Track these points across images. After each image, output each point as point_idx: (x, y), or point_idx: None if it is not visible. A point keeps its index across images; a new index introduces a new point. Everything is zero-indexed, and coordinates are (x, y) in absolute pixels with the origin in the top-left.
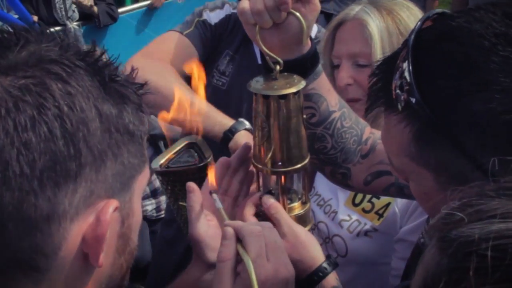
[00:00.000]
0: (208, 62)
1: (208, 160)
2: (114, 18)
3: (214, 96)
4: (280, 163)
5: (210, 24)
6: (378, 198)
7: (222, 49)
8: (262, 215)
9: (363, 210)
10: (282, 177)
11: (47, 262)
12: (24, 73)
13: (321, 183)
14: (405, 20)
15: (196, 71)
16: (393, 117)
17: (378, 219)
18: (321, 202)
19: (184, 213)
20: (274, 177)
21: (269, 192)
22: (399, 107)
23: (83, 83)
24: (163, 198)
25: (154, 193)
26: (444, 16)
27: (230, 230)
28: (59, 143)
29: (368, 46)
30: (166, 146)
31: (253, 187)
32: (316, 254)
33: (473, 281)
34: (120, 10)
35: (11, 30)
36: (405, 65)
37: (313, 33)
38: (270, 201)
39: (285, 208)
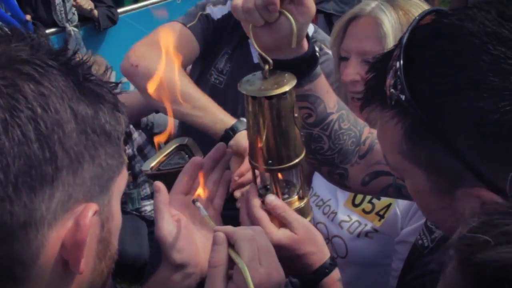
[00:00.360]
0: (207, 59)
1: None
2: (113, 21)
3: (212, 94)
4: (270, 162)
5: (213, 19)
6: (379, 199)
7: (222, 47)
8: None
9: (364, 211)
10: (277, 174)
11: (25, 271)
12: None
13: (320, 183)
14: None
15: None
16: (386, 113)
17: (379, 220)
18: (319, 202)
19: None
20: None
21: (265, 187)
22: (391, 103)
23: (56, 83)
24: None
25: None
26: (439, 14)
27: (221, 235)
28: (34, 146)
29: (379, 45)
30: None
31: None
32: (325, 246)
33: None
34: (119, 10)
35: None
36: (398, 62)
37: (309, 32)
38: (274, 201)
39: None
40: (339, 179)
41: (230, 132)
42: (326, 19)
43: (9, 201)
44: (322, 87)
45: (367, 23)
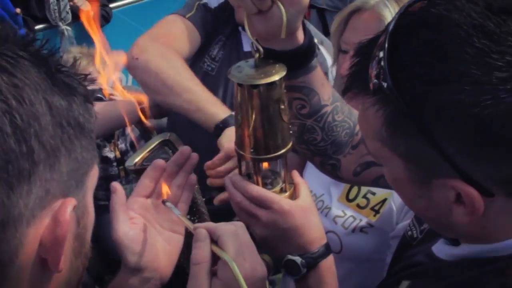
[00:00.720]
0: (201, 47)
1: None
2: (107, 20)
3: (204, 81)
4: (252, 150)
5: (210, 8)
6: (374, 194)
7: (217, 34)
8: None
9: (358, 206)
10: (260, 163)
11: (3, 271)
12: None
13: (312, 178)
14: None
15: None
16: (368, 100)
17: (374, 215)
18: (312, 198)
19: None
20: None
21: (248, 175)
22: (373, 90)
23: (29, 75)
24: None
25: None
26: (429, 1)
27: (203, 231)
28: (10, 140)
29: None
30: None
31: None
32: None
33: None
34: (111, 5)
35: None
36: (383, 49)
37: None
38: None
39: None
40: (332, 170)
41: (220, 125)
42: (319, 14)
43: None
44: (318, 80)
45: (369, 18)
